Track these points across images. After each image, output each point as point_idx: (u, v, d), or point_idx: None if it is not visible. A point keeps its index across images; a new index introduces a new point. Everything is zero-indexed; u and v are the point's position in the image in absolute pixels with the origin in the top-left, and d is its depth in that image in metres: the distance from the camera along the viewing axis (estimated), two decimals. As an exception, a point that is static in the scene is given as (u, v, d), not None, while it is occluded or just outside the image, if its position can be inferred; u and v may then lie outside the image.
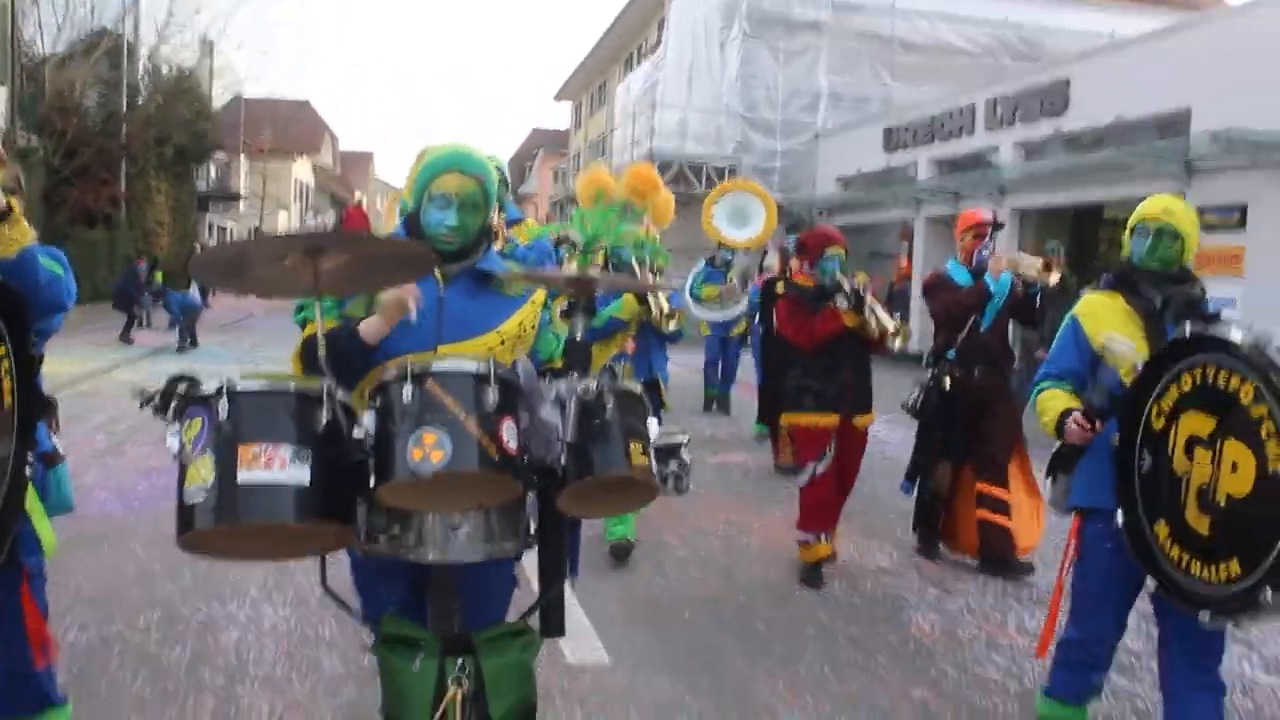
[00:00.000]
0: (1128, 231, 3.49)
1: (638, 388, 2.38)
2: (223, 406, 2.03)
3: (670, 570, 5.75)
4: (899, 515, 6.99)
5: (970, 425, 5.77)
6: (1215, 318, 3.27)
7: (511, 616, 2.55)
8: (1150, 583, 2.99)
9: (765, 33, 22.81)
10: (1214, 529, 2.76)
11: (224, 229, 44.50)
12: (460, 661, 2.26)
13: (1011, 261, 5.72)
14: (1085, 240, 17.66)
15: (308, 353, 2.42)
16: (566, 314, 2.45)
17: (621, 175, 6.25)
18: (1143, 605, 3.32)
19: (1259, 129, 11.45)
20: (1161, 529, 2.93)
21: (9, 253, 2.69)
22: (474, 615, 2.40)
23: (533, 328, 2.68)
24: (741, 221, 10.29)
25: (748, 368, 11.69)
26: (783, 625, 4.92)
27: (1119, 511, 3.07)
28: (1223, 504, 2.72)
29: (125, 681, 3.97)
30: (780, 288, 6.73)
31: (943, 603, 5.33)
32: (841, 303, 5.36)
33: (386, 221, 6.48)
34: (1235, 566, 2.68)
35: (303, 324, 2.58)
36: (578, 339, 2.43)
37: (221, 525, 1.99)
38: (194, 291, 19.00)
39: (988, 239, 5.85)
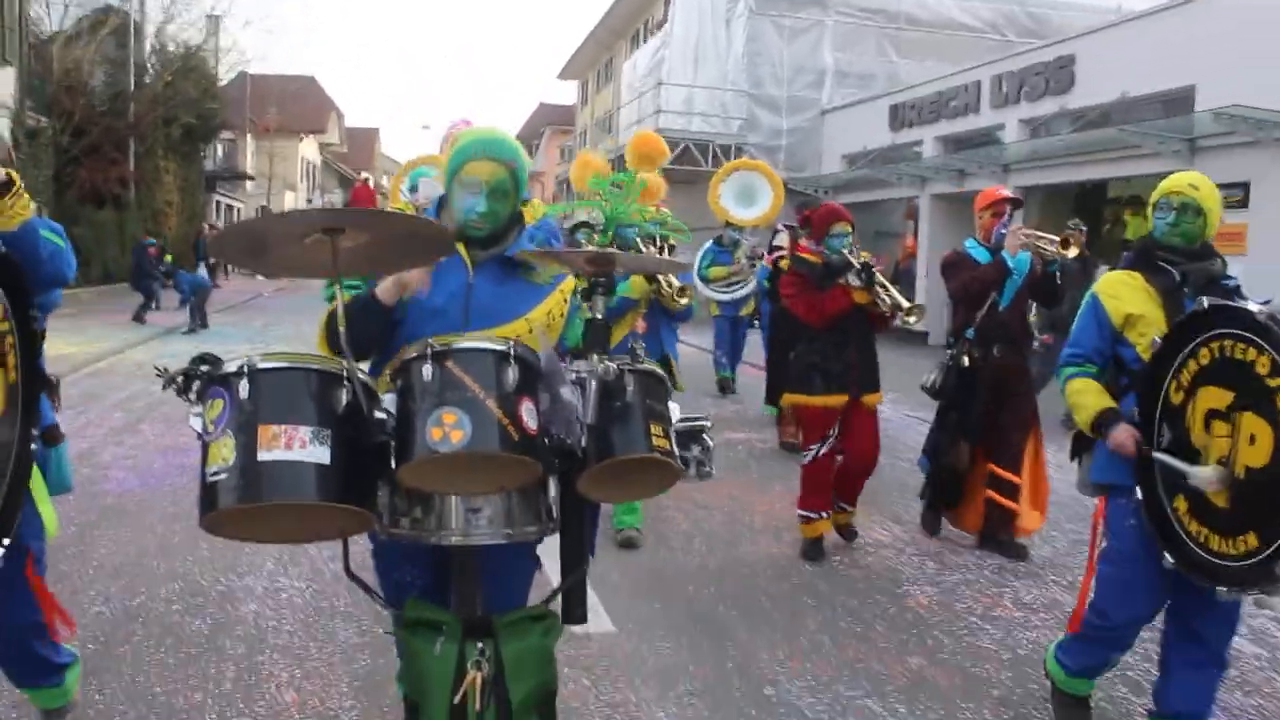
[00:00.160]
0: (1150, 206, 3.45)
1: (659, 369, 2.37)
2: (244, 387, 2.04)
3: (675, 543, 5.90)
4: (899, 492, 7.13)
5: (988, 405, 5.72)
6: (1236, 292, 3.28)
7: (534, 599, 2.56)
8: (1168, 558, 2.99)
9: (770, 9, 22.75)
10: (1232, 502, 2.75)
11: (232, 208, 44.58)
12: (480, 645, 2.26)
13: (1030, 237, 5.66)
14: (1090, 218, 17.68)
15: (331, 328, 2.42)
16: (586, 294, 2.43)
17: (629, 145, 6.31)
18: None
19: (1262, 106, 11.48)
20: (1181, 503, 2.92)
21: (11, 226, 2.65)
22: (495, 598, 2.40)
23: (561, 316, 2.67)
24: (749, 201, 10.36)
25: (754, 346, 11.78)
26: (783, 597, 5.06)
27: (1137, 488, 3.07)
28: (1241, 476, 2.72)
29: (149, 650, 4.13)
30: (785, 264, 6.69)
31: (940, 576, 5.47)
32: (853, 279, 5.37)
33: (392, 199, 6.53)
34: (1253, 539, 2.68)
35: (330, 300, 2.54)
36: (597, 319, 2.39)
37: (243, 504, 2.01)
38: (203, 271, 19.16)
39: (1006, 216, 5.77)
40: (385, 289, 2.46)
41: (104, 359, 13.33)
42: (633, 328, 5.70)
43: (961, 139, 18.85)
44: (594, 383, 2.21)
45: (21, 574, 2.79)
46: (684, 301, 5.82)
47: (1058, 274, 5.67)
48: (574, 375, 2.27)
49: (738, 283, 10.07)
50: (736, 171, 10.53)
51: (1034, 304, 6.23)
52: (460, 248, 2.55)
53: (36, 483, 2.76)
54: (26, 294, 2.47)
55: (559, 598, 2.46)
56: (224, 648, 4.18)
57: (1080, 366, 3.41)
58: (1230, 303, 2.90)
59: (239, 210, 45.21)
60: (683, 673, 4.09)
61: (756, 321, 11.25)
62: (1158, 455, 3.05)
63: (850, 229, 5.57)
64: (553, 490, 2.33)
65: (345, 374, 2.11)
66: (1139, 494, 3.07)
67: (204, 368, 2.11)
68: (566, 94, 49.84)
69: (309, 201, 53.76)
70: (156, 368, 2.15)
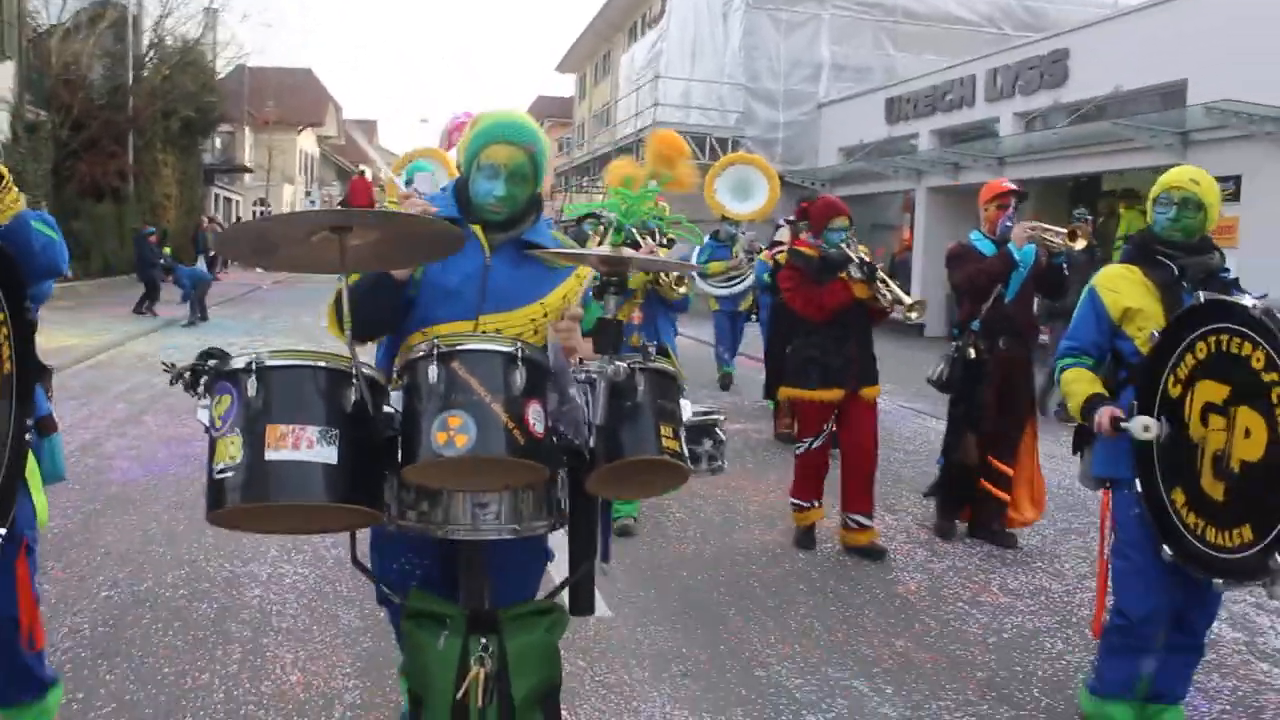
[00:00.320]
0: (1149, 200, 3.45)
1: (671, 367, 2.36)
2: (251, 384, 2.04)
3: (670, 531, 6.02)
4: (893, 482, 7.25)
5: (993, 397, 5.72)
6: (1234, 285, 3.32)
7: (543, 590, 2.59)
8: (1167, 551, 3.02)
9: (767, 3, 22.82)
10: (1228, 495, 2.79)
11: (230, 201, 44.63)
12: (484, 641, 2.25)
13: (1036, 230, 5.66)
14: (1073, 211, 17.77)
15: (339, 308, 2.38)
16: (598, 293, 2.41)
17: (647, 144, 6.35)
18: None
19: (1254, 100, 11.58)
20: (1178, 495, 2.96)
21: (2, 220, 2.68)
22: (503, 591, 2.39)
23: (577, 300, 2.66)
24: (744, 195, 10.39)
25: (751, 338, 11.87)
26: (775, 582, 5.18)
27: (1136, 481, 3.10)
28: (1236, 470, 2.75)
29: (157, 634, 4.24)
30: (784, 257, 6.69)
31: (929, 563, 5.58)
32: (855, 273, 5.40)
33: (389, 192, 6.58)
34: (1248, 532, 2.72)
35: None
36: (608, 319, 2.33)
37: (250, 503, 2.03)
38: (202, 264, 19.25)
39: (1011, 209, 5.76)
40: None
41: (105, 351, 13.42)
42: (629, 318, 5.75)
43: (957, 132, 18.94)
44: (603, 382, 2.19)
45: (13, 563, 2.77)
46: (681, 291, 5.87)
47: (1064, 266, 5.68)
48: (584, 374, 2.26)
49: (736, 277, 10.11)
50: (732, 166, 10.57)
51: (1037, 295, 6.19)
52: (478, 230, 2.55)
53: (31, 472, 2.78)
54: (20, 286, 2.47)
55: (565, 591, 2.46)
56: (230, 631, 4.29)
57: (1076, 358, 3.44)
58: (1226, 298, 2.92)
59: (237, 203, 45.28)
60: (676, 655, 4.21)
61: (755, 315, 11.32)
62: (1134, 420, 3.09)
63: (848, 223, 5.60)
64: (562, 485, 2.32)
65: (353, 371, 2.10)
66: (1139, 486, 3.11)
67: (211, 363, 2.11)
68: (564, 87, 49.83)
69: (307, 193, 53.77)
70: (164, 363, 2.15)
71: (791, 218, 9.53)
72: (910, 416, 9.96)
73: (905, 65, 22.04)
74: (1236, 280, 3.40)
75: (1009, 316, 5.71)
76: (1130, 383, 3.28)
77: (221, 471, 2.03)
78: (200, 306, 17.96)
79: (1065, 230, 5.62)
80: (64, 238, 3.00)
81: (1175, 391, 2.98)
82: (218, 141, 40.67)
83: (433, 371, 2.09)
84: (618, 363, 2.22)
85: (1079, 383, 3.37)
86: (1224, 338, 2.83)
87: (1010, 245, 5.57)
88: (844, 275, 5.43)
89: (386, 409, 2.14)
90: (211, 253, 26.50)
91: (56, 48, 25.10)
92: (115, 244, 25.53)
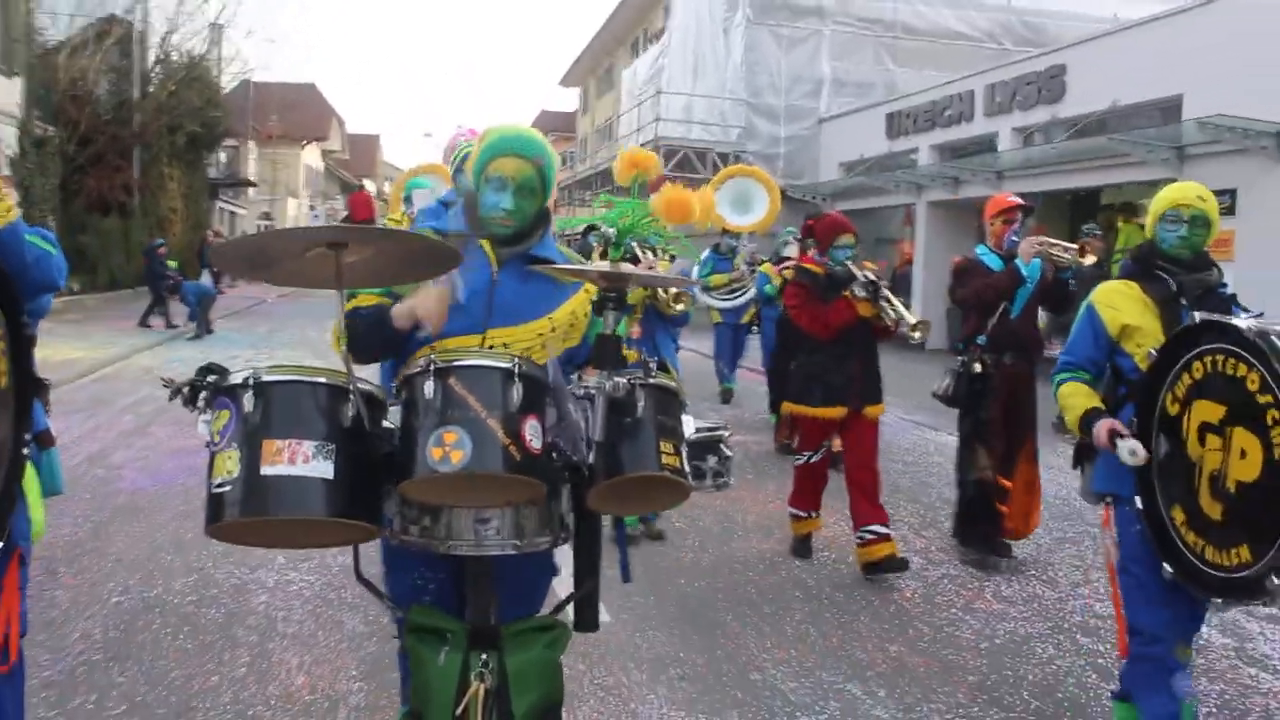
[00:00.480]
0: (1153, 217, 3.42)
1: (673, 383, 2.36)
2: (249, 399, 2.06)
3: (669, 538, 6.11)
4: (890, 493, 7.30)
5: (999, 412, 5.68)
6: (1232, 301, 3.35)
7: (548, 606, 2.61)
8: (1167, 569, 3.00)
9: (768, 18, 23.01)
10: (1226, 515, 2.80)
11: (235, 215, 44.87)
12: (484, 657, 2.25)
13: (1044, 245, 5.66)
14: (1082, 226, 17.89)
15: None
16: (598, 309, 2.42)
17: (614, 167, 6.40)
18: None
19: (1249, 115, 11.70)
20: (1178, 514, 2.97)
21: None
22: (508, 606, 2.39)
23: (585, 316, 2.65)
24: (744, 207, 10.47)
25: (752, 351, 11.94)
26: (772, 589, 5.27)
27: (1136, 498, 3.12)
28: (1233, 490, 2.74)
29: (167, 638, 4.34)
30: (789, 273, 6.68)
31: (924, 571, 5.67)
32: (859, 292, 5.40)
33: (393, 207, 6.63)
34: (1245, 552, 2.73)
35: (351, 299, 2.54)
36: (608, 334, 2.32)
37: (247, 518, 2.05)
38: (207, 278, 19.39)
39: (1018, 223, 5.74)
40: (400, 313, 2.43)
41: (111, 364, 13.54)
42: (627, 333, 5.82)
43: (956, 147, 19.08)
44: (603, 399, 2.19)
45: (3, 575, 2.68)
46: (679, 307, 5.89)
47: (1070, 281, 5.70)
48: (583, 390, 2.26)
49: (738, 290, 10.17)
50: (732, 178, 10.67)
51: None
52: (485, 244, 2.54)
53: (29, 485, 2.77)
54: (15, 300, 2.44)
55: (568, 606, 2.47)
56: (237, 636, 4.39)
57: (1073, 373, 3.47)
58: (1221, 318, 2.93)
59: (242, 217, 45.50)
60: (674, 659, 4.31)
61: (756, 327, 11.39)
62: (1119, 441, 3.13)
63: (854, 240, 5.62)
64: (565, 501, 2.32)
65: (350, 387, 2.11)
66: (1139, 504, 3.12)
67: (210, 378, 2.13)
68: (568, 101, 50.12)
69: (311, 207, 54.03)
70: (163, 379, 2.19)
71: (799, 235, 9.58)
72: (910, 429, 10.04)
73: (905, 80, 22.20)
74: (1234, 296, 3.42)
75: (1014, 331, 5.70)
76: (1130, 399, 3.30)
77: (220, 486, 2.05)
78: (205, 321, 18.08)
79: (1075, 246, 5.60)
80: (70, 252, 2.97)
81: (1173, 410, 2.99)
82: (222, 156, 40.88)
83: (429, 387, 2.09)
84: (617, 379, 2.22)
85: (1076, 396, 3.39)
86: (1220, 358, 2.83)
87: (1017, 260, 5.58)
88: (848, 293, 5.45)
89: (385, 424, 2.15)
90: (216, 267, 26.63)
91: (64, 63, 25.33)
92: (121, 258, 25.72)
